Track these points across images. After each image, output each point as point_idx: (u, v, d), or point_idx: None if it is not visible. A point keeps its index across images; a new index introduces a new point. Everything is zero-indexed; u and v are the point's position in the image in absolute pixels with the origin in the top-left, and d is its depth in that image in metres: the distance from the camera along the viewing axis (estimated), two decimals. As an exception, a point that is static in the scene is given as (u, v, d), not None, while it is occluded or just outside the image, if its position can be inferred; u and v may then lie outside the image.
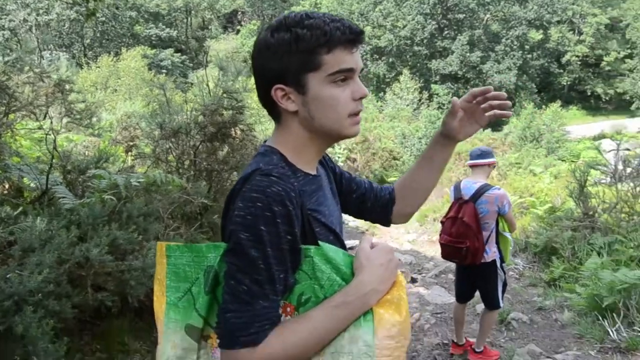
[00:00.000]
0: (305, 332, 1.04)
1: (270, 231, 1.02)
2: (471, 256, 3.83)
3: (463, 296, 4.31)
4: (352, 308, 1.07)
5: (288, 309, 1.09)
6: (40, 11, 34.09)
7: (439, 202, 11.54)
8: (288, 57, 1.10)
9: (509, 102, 1.33)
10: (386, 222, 1.54)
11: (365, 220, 1.56)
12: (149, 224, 3.94)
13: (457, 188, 4.02)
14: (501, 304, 4.13)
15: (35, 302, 2.80)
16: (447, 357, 4.36)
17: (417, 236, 10.10)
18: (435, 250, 8.47)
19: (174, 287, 1.17)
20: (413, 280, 6.48)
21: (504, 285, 4.13)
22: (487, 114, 1.34)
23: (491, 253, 3.92)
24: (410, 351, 4.54)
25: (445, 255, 4.03)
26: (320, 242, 1.11)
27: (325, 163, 1.38)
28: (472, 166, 4.05)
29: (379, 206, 1.49)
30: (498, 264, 4.00)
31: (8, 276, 2.92)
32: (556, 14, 38.71)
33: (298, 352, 1.04)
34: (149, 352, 3.66)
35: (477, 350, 4.23)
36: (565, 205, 8.23)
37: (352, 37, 1.11)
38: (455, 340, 4.42)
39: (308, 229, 1.11)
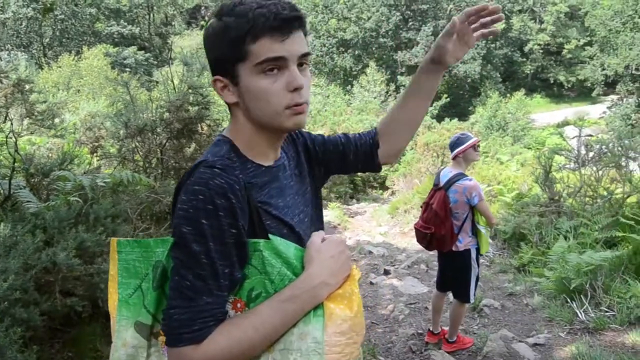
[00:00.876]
0: (252, 328, 1.01)
1: (213, 225, 0.99)
2: (437, 243, 3.92)
3: (442, 285, 4.31)
4: (301, 302, 1.04)
5: (238, 305, 1.07)
6: (-4, 10, 33.04)
7: (409, 194, 11.65)
8: (220, 47, 1.08)
9: (502, 16, 1.29)
10: (374, 168, 1.48)
11: (352, 173, 1.52)
12: (117, 226, 3.86)
13: (437, 176, 4.07)
14: (471, 299, 4.12)
15: (1, 311, 2.72)
16: (422, 347, 4.41)
17: (389, 228, 10.17)
18: (407, 242, 8.55)
19: (125, 284, 1.13)
20: (386, 272, 6.53)
21: (476, 279, 4.09)
22: (475, 33, 1.31)
23: (464, 242, 3.92)
24: (386, 342, 4.58)
25: (417, 239, 4.12)
26: (270, 236, 1.07)
27: (294, 143, 1.33)
28: (454, 158, 4.00)
29: (363, 156, 1.44)
30: (473, 255, 3.98)
31: (-28, 285, 2.82)
32: (517, 2, 39.38)
33: (244, 348, 1.01)
34: (122, 356, 3.59)
35: (450, 340, 4.29)
36: (532, 191, 8.40)
37: (277, 24, 1.03)
38: (431, 329, 4.46)
39: (257, 222, 1.07)
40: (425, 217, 3.99)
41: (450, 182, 3.86)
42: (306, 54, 1.11)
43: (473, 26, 1.30)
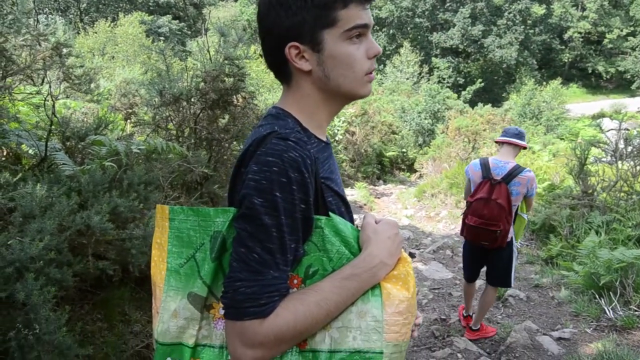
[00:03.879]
0: (315, 304, 1.01)
1: (286, 198, 0.98)
2: (501, 238, 3.75)
3: (473, 277, 4.27)
4: (361, 281, 1.05)
5: (295, 281, 1.06)
6: (36, -27, 33.35)
7: (437, 178, 11.53)
8: (302, 13, 1.05)
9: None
10: None
11: None
12: (149, 193, 3.90)
13: (485, 166, 3.79)
14: (512, 283, 4.10)
15: (36, 270, 2.77)
16: (445, 333, 4.40)
17: (415, 212, 10.11)
18: (433, 226, 8.50)
19: (176, 253, 1.11)
20: (411, 256, 6.47)
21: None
22: None
23: (510, 233, 3.85)
24: (408, 325, 4.57)
25: (474, 237, 3.84)
26: (330, 214, 1.07)
27: None
28: (503, 143, 3.86)
29: None
30: (514, 244, 3.95)
31: (9, 242, 2.89)
32: (560, -12, 38.23)
33: (307, 324, 1.01)
34: (149, 322, 3.66)
35: (474, 328, 4.30)
36: (565, 183, 8.23)
37: None
38: (464, 314, 4.46)
39: (321, 198, 1.07)
40: (486, 213, 3.71)
41: (513, 175, 3.70)
42: (374, 24, 1.16)
43: None
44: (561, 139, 17.48)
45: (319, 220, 1.05)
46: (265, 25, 1.11)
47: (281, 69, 1.14)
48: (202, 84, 4.76)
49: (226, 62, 4.95)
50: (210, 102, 4.60)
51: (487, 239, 3.77)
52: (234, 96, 4.70)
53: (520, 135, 3.85)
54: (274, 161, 0.99)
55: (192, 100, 4.72)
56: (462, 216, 4.01)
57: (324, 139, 1.18)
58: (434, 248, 6.92)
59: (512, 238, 3.89)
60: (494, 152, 13.33)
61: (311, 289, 1.04)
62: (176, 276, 1.11)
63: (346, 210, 1.16)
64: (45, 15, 32.43)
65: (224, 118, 4.89)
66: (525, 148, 3.92)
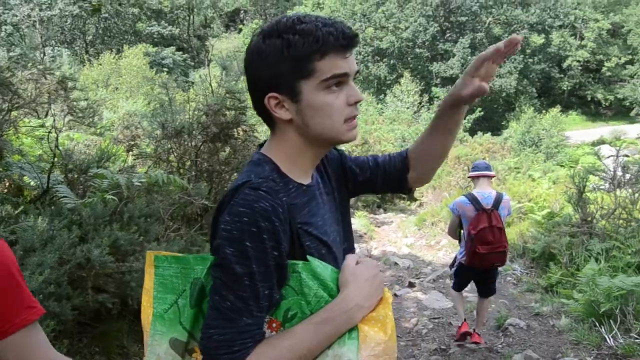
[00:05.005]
0: (288, 349, 1.02)
1: (256, 247, 1.01)
2: (506, 255, 4.41)
3: (463, 288, 4.82)
4: (336, 324, 1.06)
5: (274, 325, 1.08)
6: (43, 6, 34.06)
7: (437, 207, 11.56)
8: (280, 65, 1.07)
9: (519, 39, 1.20)
10: (404, 191, 1.47)
11: (381, 193, 1.50)
12: (150, 225, 3.96)
13: (473, 200, 4.27)
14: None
15: (36, 303, 2.81)
16: (445, 363, 4.38)
17: (415, 240, 10.11)
18: (433, 255, 8.49)
19: (160, 299, 1.15)
20: (411, 285, 6.49)
21: None
22: (494, 64, 1.25)
23: None
24: (408, 356, 4.56)
25: (487, 262, 4.28)
26: (309, 257, 1.09)
27: (321, 164, 1.32)
28: (479, 177, 4.42)
29: (391, 180, 1.42)
30: None
31: (9, 276, 2.93)
32: (558, 18, 38.68)
33: None
34: (147, 354, 3.67)
35: (479, 332, 4.70)
36: (564, 210, 8.24)
37: (345, 42, 1.08)
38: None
39: (297, 243, 1.09)
40: (493, 239, 4.19)
41: (499, 201, 4.28)
42: (358, 71, 1.17)
43: (489, 62, 1.25)
44: (561, 166, 17.56)
45: (295, 264, 1.08)
46: (248, 74, 1.15)
47: (264, 116, 1.17)
48: (204, 117, 4.86)
49: (227, 95, 5.06)
50: (211, 135, 4.69)
51: (498, 260, 4.31)
52: (235, 129, 4.79)
53: (489, 168, 4.52)
54: (244, 211, 1.02)
55: (194, 133, 4.81)
56: (465, 249, 4.39)
57: (307, 182, 1.20)
58: (434, 277, 6.92)
59: None
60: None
61: (285, 333, 1.06)
62: (161, 321, 1.15)
63: (328, 251, 1.17)
64: (51, 48, 32.98)
65: (224, 151, 4.98)
66: (493, 177, 4.64)
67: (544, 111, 30.28)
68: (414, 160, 1.41)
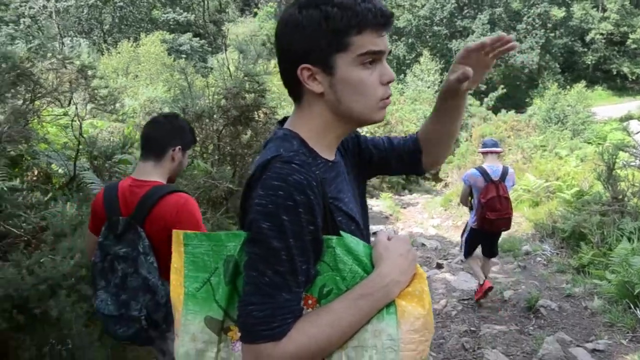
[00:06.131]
0: (328, 325, 1.01)
1: (293, 221, 0.99)
2: (511, 221, 5.00)
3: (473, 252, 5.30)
4: (374, 300, 1.04)
5: (310, 301, 1.06)
6: (60, -3, 34.30)
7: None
8: (316, 36, 1.06)
9: (515, 44, 1.21)
10: (418, 172, 1.48)
11: (395, 175, 1.52)
12: (176, 209, 3.96)
13: (484, 173, 4.87)
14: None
15: (68, 287, 2.82)
16: (475, 345, 4.32)
17: (442, 221, 10.01)
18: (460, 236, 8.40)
19: (192, 277, 1.12)
20: (439, 266, 6.43)
21: None
22: (490, 55, 1.23)
23: None
24: (437, 338, 4.51)
25: (495, 227, 4.93)
26: (342, 233, 1.08)
27: (340, 143, 1.31)
28: (487, 153, 5.01)
29: (406, 162, 1.43)
30: None
31: (42, 260, 2.95)
32: (579, -10, 37.77)
33: (321, 345, 1.01)
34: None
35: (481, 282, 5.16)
36: (593, 189, 8.06)
37: (382, 20, 1.08)
38: (481, 284, 5.14)
39: (330, 218, 1.07)
40: (500, 207, 4.81)
41: (505, 174, 4.89)
42: (390, 51, 1.16)
43: (490, 55, 1.23)
44: (588, 143, 17.16)
45: (330, 240, 1.05)
46: (280, 44, 1.12)
47: (293, 89, 1.14)
48: (224, 101, 4.82)
49: (246, 78, 5.01)
50: (232, 118, 4.66)
51: (504, 225, 4.95)
52: (255, 112, 4.74)
53: (496, 144, 5.12)
54: (279, 185, 1.00)
55: (214, 117, 4.78)
56: (475, 215, 4.96)
57: (332, 159, 1.19)
58: (462, 258, 6.83)
59: None
60: (519, 159, 13.24)
61: (324, 309, 1.04)
62: (193, 300, 1.12)
63: (357, 228, 1.16)
64: (70, 38, 33.25)
65: (246, 134, 4.94)
66: (501, 152, 5.30)
67: (568, 87, 29.63)
68: (424, 144, 1.42)
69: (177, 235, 1.16)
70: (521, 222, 8.64)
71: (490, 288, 5.08)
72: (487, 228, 4.92)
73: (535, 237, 7.87)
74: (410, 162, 1.43)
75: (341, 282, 1.06)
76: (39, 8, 33.39)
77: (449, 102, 1.31)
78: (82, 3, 35.25)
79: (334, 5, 1.05)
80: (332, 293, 1.06)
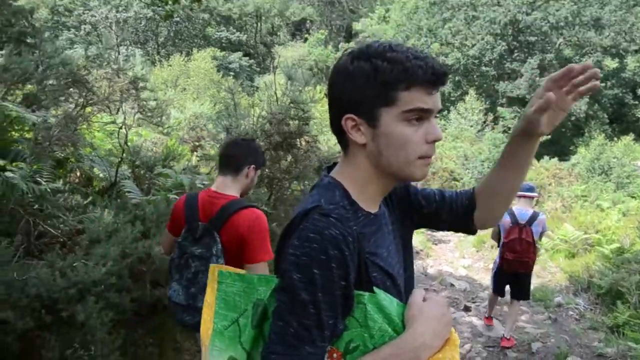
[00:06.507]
0: None
1: (324, 275, 0.98)
2: (532, 265, 5.06)
3: (502, 293, 5.47)
4: None
5: (335, 355, 1.05)
6: (120, 8, 35.70)
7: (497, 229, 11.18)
8: (364, 88, 1.07)
9: (597, 71, 1.11)
10: (467, 230, 1.40)
11: (443, 230, 1.43)
12: (209, 226, 4.00)
13: (512, 215, 5.01)
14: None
15: (97, 293, 2.87)
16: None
17: (473, 262, 9.80)
18: (491, 280, 8.19)
19: (222, 315, 1.15)
20: (466, 309, 6.28)
21: None
22: (570, 96, 1.15)
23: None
24: (459, 383, 4.38)
25: (512, 268, 5.03)
26: (375, 289, 1.06)
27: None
28: (521, 197, 5.09)
29: (458, 215, 1.36)
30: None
31: (75, 264, 3.02)
32: (634, 42, 37.01)
33: None
34: (198, 352, 3.69)
35: (507, 337, 5.22)
36: (635, 246, 7.78)
37: (433, 78, 1.06)
38: (488, 315, 5.69)
39: (364, 274, 1.06)
40: (520, 249, 4.95)
41: (533, 219, 4.98)
42: (440, 110, 1.13)
43: (565, 89, 1.15)
44: (633, 197, 16.62)
45: (361, 296, 1.04)
46: (331, 92, 1.13)
47: (341, 137, 1.15)
48: (268, 125, 4.88)
49: (292, 105, 5.07)
50: (274, 143, 4.70)
51: (522, 268, 5.02)
52: (298, 139, 4.78)
53: (532, 189, 5.18)
54: (314, 237, 1.00)
55: (257, 140, 4.84)
56: (499, 254, 5.16)
57: (375, 211, 1.18)
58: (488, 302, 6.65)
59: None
60: (559, 207, 12.93)
61: None
62: (220, 337, 1.15)
63: (392, 284, 1.13)
64: (126, 47, 34.49)
65: (286, 159, 4.98)
66: (535, 197, 5.32)
67: (615, 138, 28.90)
68: (480, 199, 1.35)
69: (213, 271, 1.19)
70: (555, 273, 8.38)
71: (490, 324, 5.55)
72: (505, 268, 5.10)
73: (569, 289, 7.60)
74: (461, 218, 1.37)
75: (369, 339, 1.04)
76: (101, 17, 34.79)
77: (519, 145, 1.24)
78: (140, 15, 36.57)
79: (385, 59, 1.05)
80: (359, 350, 1.04)
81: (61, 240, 3.62)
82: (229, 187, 2.52)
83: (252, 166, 2.56)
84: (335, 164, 1.22)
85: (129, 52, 32.29)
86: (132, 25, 37.63)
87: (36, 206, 3.75)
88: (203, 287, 2.33)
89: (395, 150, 1.09)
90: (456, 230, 1.43)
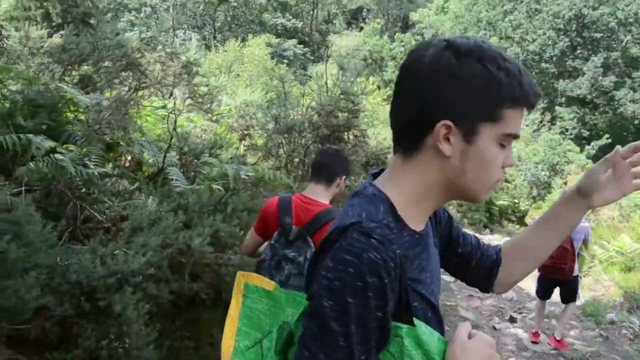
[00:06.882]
0: None
1: (359, 304, 0.86)
2: (568, 272, 5.10)
3: (547, 296, 5.56)
4: None
5: None
6: (181, -9, 36.28)
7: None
8: (473, 96, 0.93)
9: None
10: (487, 287, 1.29)
11: (462, 280, 1.32)
12: (252, 219, 3.93)
13: None
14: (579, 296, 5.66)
15: (135, 284, 2.86)
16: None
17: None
18: (539, 288, 7.88)
19: (245, 332, 1.08)
20: (512, 320, 6.05)
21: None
22: (635, 180, 1.10)
23: (576, 269, 5.16)
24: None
25: (549, 273, 5.19)
26: (416, 321, 0.94)
27: (434, 214, 1.16)
28: None
29: (484, 267, 1.26)
30: (578, 274, 5.36)
31: (115, 252, 3.01)
32: None
33: None
34: (233, 347, 3.66)
35: (557, 338, 5.35)
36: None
37: (534, 100, 0.97)
38: (536, 330, 5.54)
39: (404, 303, 0.93)
40: (556, 255, 4.88)
41: None
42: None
43: (634, 169, 1.09)
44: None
45: (399, 328, 0.92)
46: (421, 86, 0.96)
47: (411, 137, 0.99)
48: (316, 116, 4.79)
49: (342, 96, 4.95)
50: (321, 135, 4.61)
51: (557, 274, 5.13)
52: (346, 132, 4.67)
53: None
54: (350, 260, 0.87)
55: (304, 133, 4.76)
56: None
57: (421, 229, 1.03)
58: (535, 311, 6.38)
59: (577, 271, 5.21)
60: (616, 217, 12.38)
61: None
62: (241, 357, 1.08)
63: (434, 315, 1.01)
64: (183, 31, 35.06)
65: (333, 153, 4.88)
66: None
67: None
68: (506, 256, 1.27)
69: (239, 281, 1.10)
70: (609, 287, 7.98)
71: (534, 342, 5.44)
72: (541, 272, 5.32)
73: (623, 306, 7.22)
74: (486, 271, 1.27)
75: None
76: (158, 0, 35.47)
77: (567, 206, 1.19)
78: (199, 0, 37.08)
79: (501, 68, 0.93)
80: None
81: (106, 225, 3.64)
82: (321, 195, 2.59)
83: (344, 177, 2.68)
84: (382, 170, 1.08)
85: (186, 36, 32.79)
86: (191, 9, 38.17)
87: (84, 190, 3.80)
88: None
89: (480, 172, 0.98)
90: (472, 284, 1.32)
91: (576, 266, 5.16)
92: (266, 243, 2.57)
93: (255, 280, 1.17)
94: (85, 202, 3.69)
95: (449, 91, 0.93)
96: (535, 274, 8.85)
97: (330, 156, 2.73)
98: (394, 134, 1.03)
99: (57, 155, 3.52)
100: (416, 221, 1.01)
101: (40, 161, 3.45)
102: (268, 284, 1.17)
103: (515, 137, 0.99)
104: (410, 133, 0.99)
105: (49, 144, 3.59)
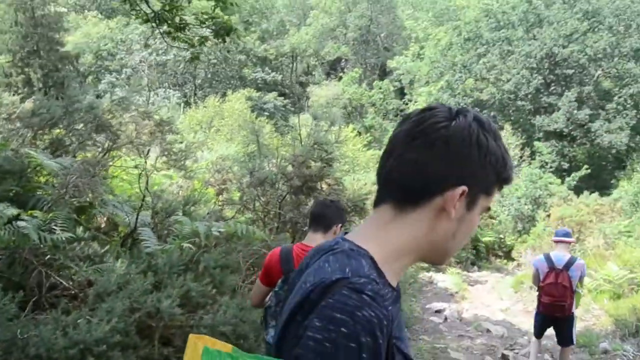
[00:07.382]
0: None
1: None
2: (568, 310, 5.08)
3: (542, 335, 5.50)
4: None
5: None
6: (160, 51, 36.89)
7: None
8: (488, 169, 0.98)
9: None
10: None
11: None
12: (225, 276, 3.84)
13: (548, 259, 5.14)
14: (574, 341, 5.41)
15: (99, 353, 2.73)
16: None
17: (512, 304, 9.35)
18: (531, 323, 7.74)
19: None
20: (504, 358, 5.90)
21: None
22: None
23: (573, 306, 5.14)
24: None
25: (549, 311, 5.15)
26: None
27: None
28: (558, 242, 5.25)
29: None
30: (574, 311, 5.24)
31: (78, 321, 2.89)
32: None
33: None
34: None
35: None
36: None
37: (509, 184, 1.07)
38: None
39: None
40: (556, 293, 5.02)
41: (570, 263, 5.06)
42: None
43: None
44: (681, 234, 15.77)
45: None
46: (450, 148, 0.95)
47: (420, 194, 0.96)
48: (289, 167, 4.78)
49: (315, 146, 4.96)
50: (294, 187, 4.58)
51: (559, 311, 5.09)
52: (319, 182, 4.65)
53: (567, 235, 5.36)
54: (342, 319, 0.81)
55: (277, 185, 4.73)
56: (537, 297, 5.34)
57: (395, 286, 0.97)
58: (530, 349, 6.24)
59: (574, 308, 5.17)
60: (601, 245, 12.39)
61: None
62: None
63: None
64: (164, 90, 35.48)
65: (307, 204, 4.84)
66: (571, 242, 5.51)
67: (660, 172, 27.79)
68: None
69: (196, 346, 0.97)
70: (600, 315, 7.88)
71: None
72: (541, 310, 5.26)
73: (615, 334, 7.11)
74: None
75: None
76: (139, 61, 36.02)
77: None
78: (179, 58, 37.71)
79: (503, 149, 1.01)
80: None
81: (72, 292, 3.53)
82: (319, 242, 2.74)
83: (340, 225, 2.85)
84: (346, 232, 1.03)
85: (166, 94, 33.15)
86: (171, 68, 38.75)
87: (49, 256, 3.69)
88: None
89: (464, 237, 1.03)
90: None
91: (574, 303, 5.16)
92: (272, 292, 2.73)
93: (209, 343, 1.06)
94: (51, 269, 3.58)
95: (473, 160, 0.96)
96: (529, 309, 8.75)
97: (326, 206, 2.91)
98: (390, 185, 0.99)
99: (20, 223, 3.43)
100: (392, 278, 0.95)
101: (2, 229, 3.36)
102: (224, 346, 1.07)
103: (488, 210, 1.07)
104: (421, 190, 0.96)
105: (12, 211, 3.51)
